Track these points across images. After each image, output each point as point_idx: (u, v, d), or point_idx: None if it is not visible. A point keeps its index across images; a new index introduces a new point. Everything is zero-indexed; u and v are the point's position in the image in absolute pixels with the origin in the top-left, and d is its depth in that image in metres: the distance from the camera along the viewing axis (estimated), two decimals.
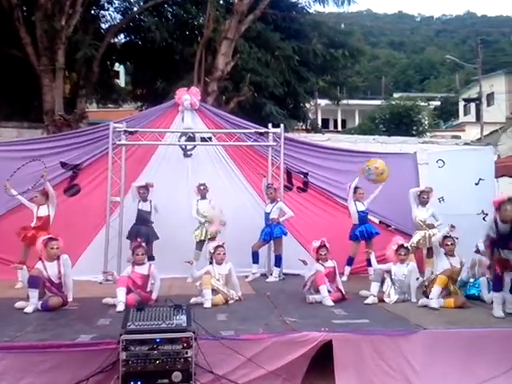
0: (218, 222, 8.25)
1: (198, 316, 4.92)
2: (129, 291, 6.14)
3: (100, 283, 8.00)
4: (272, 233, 8.32)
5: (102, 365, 4.39)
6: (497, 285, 5.85)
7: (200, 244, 8.34)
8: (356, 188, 8.40)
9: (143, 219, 8.26)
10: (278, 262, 8.45)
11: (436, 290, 6.18)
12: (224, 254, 6.65)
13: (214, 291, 6.35)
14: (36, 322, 5.41)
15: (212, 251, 6.69)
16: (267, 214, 8.43)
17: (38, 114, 13.01)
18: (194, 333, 4.35)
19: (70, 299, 6.31)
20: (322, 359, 4.88)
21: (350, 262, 8.31)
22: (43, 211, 7.84)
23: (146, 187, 8.33)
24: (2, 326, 5.16)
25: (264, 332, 4.93)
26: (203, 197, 8.51)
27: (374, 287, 6.52)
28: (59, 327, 5.17)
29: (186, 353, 4.23)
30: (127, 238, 8.21)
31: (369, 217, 8.68)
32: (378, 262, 7.04)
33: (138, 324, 4.35)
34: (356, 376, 4.81)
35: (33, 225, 7.77)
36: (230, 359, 4.65)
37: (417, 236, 8.04)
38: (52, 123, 12.23)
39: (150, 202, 8.34)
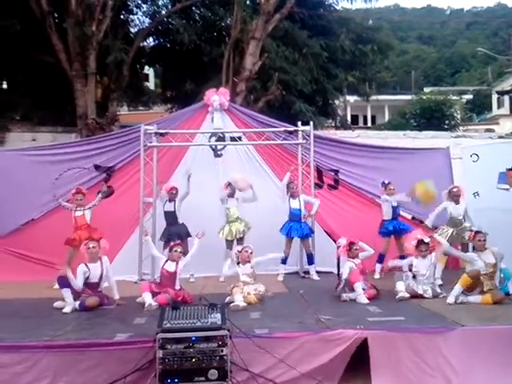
0: (245, 183, 8.32)
1: (231, 314, 4.94)
2: (154, 295, 6.24)
3: (135, 283, 8.10)
4: (303, 231, 8.27)
5: (139, 363, 4.44)
6: None
7: (229, 243, 8.29)
8: (387, 183, 8.27)
9: (171, 219, 8.35)
10: (312, 259, 8.39)
11: (457, 288, 6.09)
12: (251, 252, 6.63)
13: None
14: (74, 321, 5.52)
15: (239, 250, 6.70)
16: (298, 210, 8.35)
17: (72, 118, 13.29)
18: (228, 331, 4.35)
19: (116, 297, 6.45)
20: (358, 357, 4.82)
21: (381, 259, 8.16)
22: (79, 212, 7.98)
23: (176, 188, 8.40)
24: (42, 325, 5.28)
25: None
26: (231, 195, 8.44)
27: (400, 286, 6.42)
28: (97, 326, 5.27)
29: (222, 351, 4.23)
30: (160, 239, 8.31)
31: (402, 213, 8.56)
32: None
33: (174, 323, 4.37)
34: (393, 375, 4.73)
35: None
36: (264, 357, 4.63)
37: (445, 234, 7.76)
38: (85, 127, 12.48)
39: (174, 201, 8.38)
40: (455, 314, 5.43)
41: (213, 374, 4.18)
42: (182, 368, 4.18)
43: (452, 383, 4.68)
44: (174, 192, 8.38)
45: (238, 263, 6.70)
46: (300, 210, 8.34)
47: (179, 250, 6.55)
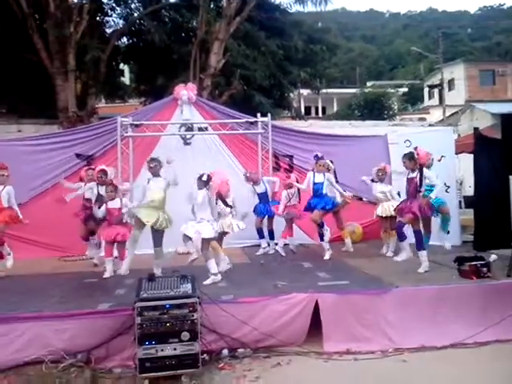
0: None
1: (201, 283, 4.95)
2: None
3: None
4: (268, 211, 8.13)
5: (120, 328, 4.45)
6: None
7: (140, 226, 6.28)
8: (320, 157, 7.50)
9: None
10: (272, 235, 8.39)
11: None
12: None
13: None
14: (60, 294, 5.42)
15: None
16: (263, 194, 8.19)
17: (54, 111, 12.87)
18: (198, 298, 4.39)
19: None
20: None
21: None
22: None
23: (104, 170, 7.16)
24: (31, 298, 5.20)
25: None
26: (155, 174, 6.32)
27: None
28: (81, 298, 5.19)
29: (192, 316, 4.27)
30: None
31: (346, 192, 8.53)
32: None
33: (150, 293, 4.37)
34: (340, 330, 4.87)
35: None
36: (230, 320, 4.70)
37: (379, 207, 7.72)
38: (66, 119, 12.14)
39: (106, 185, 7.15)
40: (390, 277, 5.60)
41: (185, 335, 4.23)
42: (158, 332, 4.20)
43: (388, 336, 4.87)
44: (101, 176, 7.15)
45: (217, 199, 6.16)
46: (266, 191, 8.21)
47: (110, 190, 6.44)
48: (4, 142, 8.94)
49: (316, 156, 7.40)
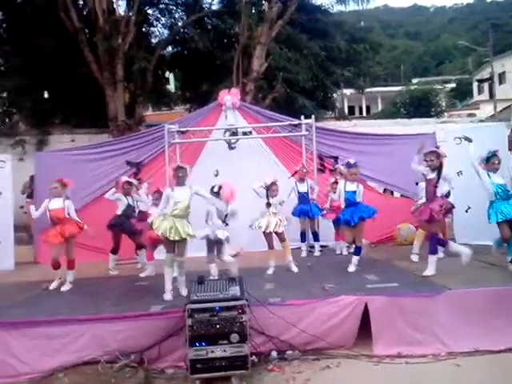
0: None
1: (249, 286, 4.98)
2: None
3: None
4: (310, 211, 8.10)
5: (171, 330, 4.56)
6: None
7: (171, 245, 5.50)
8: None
9: (130, 211, 7.45)
10: (316, 237, 8.38)
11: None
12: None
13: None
14: (114, 296, 5.63)
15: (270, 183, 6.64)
16: (304, 193, 8.10)
17: (104, 120, 13.38)
18: (246, 300, 4.43)
19: None
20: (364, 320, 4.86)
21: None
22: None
23: (128, 182, 7.50)
24: (86, 301, 5.42)
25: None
26: (180, 183, 5.51)
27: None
28: (133, 300, 5.35)
29: (241, 318, 4.31)
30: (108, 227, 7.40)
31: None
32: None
33: (200, 295, 4.44)
34: (390, 333, 4.77)
35: None
36: (278, 322, 4.71)
37: None
38: (116, 128, 12.59)
39: (132, 196, 7.44)
40: (443, 278, 5.42)
41: (234, 337, 4.27)
42: (208, 333, 4.27)
43: (441, 340, 4.73)
44: (127, 187, 7.38)
45: (268, 195, 6.63)
46: (307, 192, 8.09)
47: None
48: (58, 152, 9.38)
49: (348, 163, 6.77)
